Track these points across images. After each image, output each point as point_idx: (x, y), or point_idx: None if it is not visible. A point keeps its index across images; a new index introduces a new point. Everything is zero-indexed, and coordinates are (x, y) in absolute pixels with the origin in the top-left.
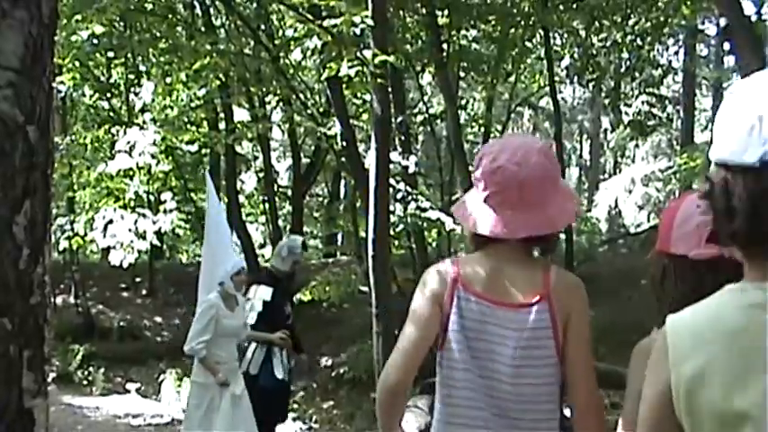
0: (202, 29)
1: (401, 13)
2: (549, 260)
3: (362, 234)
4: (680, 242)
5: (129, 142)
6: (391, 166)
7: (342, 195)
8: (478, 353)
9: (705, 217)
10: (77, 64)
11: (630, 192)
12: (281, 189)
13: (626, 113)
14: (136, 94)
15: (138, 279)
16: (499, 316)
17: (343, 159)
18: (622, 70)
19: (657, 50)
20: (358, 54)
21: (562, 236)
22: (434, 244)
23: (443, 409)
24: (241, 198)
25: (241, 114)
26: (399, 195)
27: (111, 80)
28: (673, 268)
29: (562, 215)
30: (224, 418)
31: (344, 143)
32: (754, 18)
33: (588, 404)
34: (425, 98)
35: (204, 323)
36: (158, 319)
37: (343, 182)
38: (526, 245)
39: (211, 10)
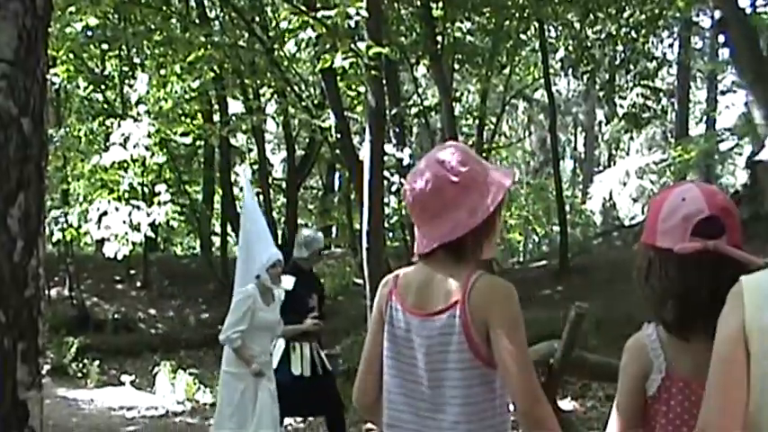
0: (197, 21)
1: (396, 4)
2: (476, 266)
3: (357, 226)
4: (665, 235)
5: (123, 134)
6: (386, 158)
7: (336, 187)
8: (405, 359)
9: (690, 209)
10: (71, 56)
11: (625, 184)
12: (275, 181)
13: (620, 106)
14: (130, 86)
15: (132, 271)
16: (416, 324)
17: (337, 151)
18: (617, 62)
19: (652, 43)
20: (352, 46)
21: (556, 228)
22: None
23: (385, 412)
24: (235, 190)
25: (235, 106)
26: (394, 187)
27: (106, 72)
28: (658, 261)
29: (472, 215)
30: (265, 413)
31: (339, 135)
32: (748, 10)
33: (523, 410)
34: (420, 90)
35: (240, 314)
36: (152, 312)
37: (337, 174)
38: (452, 254)
39: (206, 2)
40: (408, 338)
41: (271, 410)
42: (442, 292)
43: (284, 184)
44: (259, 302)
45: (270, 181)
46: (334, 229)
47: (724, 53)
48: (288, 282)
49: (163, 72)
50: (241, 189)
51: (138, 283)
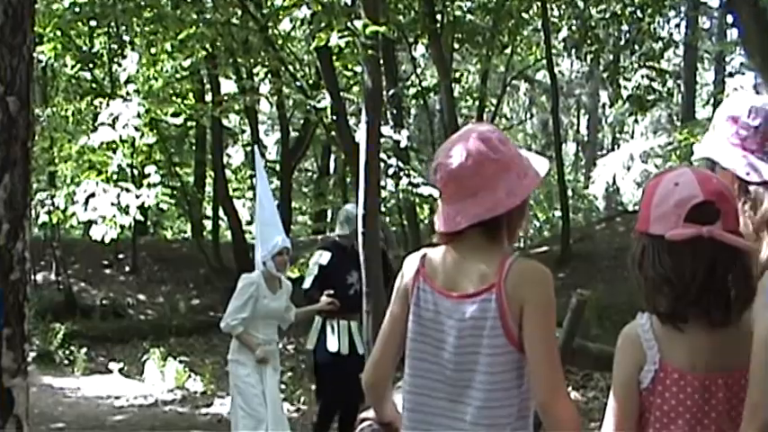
0: None
1: None
2: (509, 249)
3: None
4: (658, 222)
5: (112, 114)
6: (382, 140)
7: (331, 170)
8: (432, 342)
9: (683, 195)
10: (59, 33)
11: (629, 168)
12: (269, 163)
13: (625, 88)
14: (119, 65)
15: (121, 256)
16: (447, 306)
17: (332, 133)
18: (622, 43)
19: (658, 23)
20: (348, 24)
21: (558, 213)
22: (427, 221)
23: (405, 396)
24: (227, 173)
25: (228, 86)
26: (391, 170)
27: (94, 50)
28: (651, 249)
29: (510, 196)
30: (272, 399)
31: (334, 116)
32: None
33: (543, 402)
34: (418, 70)
35: (243, 300)
36: (142, 297)
37: (332, 156)
38: (483, 234)
39: None
40: (437, 321)
41: (275, 401)
42: (475, 273)
43: (278, 167)
44: (263, 290)
45: (264, 163)
46: (329, 213)
47: (732, 34)
48: (323, 257)
49: (153, 50)
50: (253, 169)
51: (127, 268)
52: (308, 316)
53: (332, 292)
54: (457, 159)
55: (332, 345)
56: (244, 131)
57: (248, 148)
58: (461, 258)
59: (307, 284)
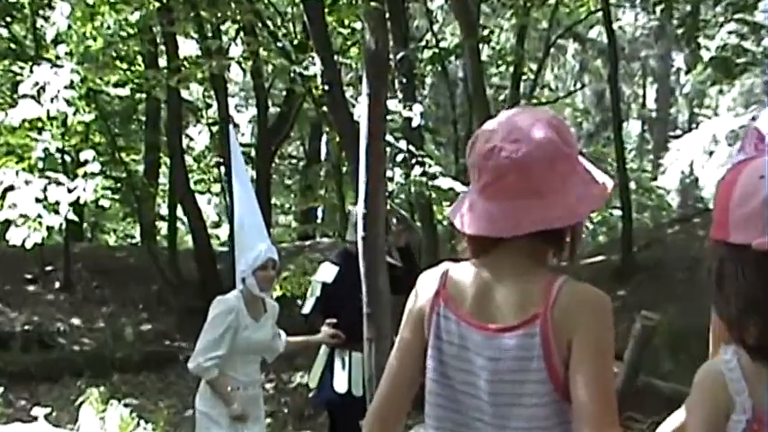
0: None
1: None
2: (559, 269)
3: (350, 208)
4: (739, 227)
5: (36, 83)
6: (389, 117)
7: (322, 157)
8: (458, 384)
9: None
10: None
11: (711, 153)
12: (241, 147)
13: (706, 48)
14: (46, 19)
15: (48, 267)
16: (477, 341)
17: (324, 108)
18: None
19: None
20: None
21: (617, 212)
22: (446, 222)
23: None
24: (189, 160)
25: (188, 48)
26: (400, 157)
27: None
28: (732, 262)
29: (581, 203)
30: None
31: (327, 87)
32: None
33: None
34: (435, 27)
35: (218, 334)
36: (76, 322)
37: (324, 139)
38: (535, 248)
39: None
40: (464, 358)
41: None
42: (515, 298)
43: (253, 152)
44: (244, 317)
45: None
46: (319, 213)
47: None
48: (327, 273)
49: (90, 0)
50: (222, 155)
51: (57, 284)
52: (304, 347)
53: (335, 321)
54: (525, 146)
55: (340, 383)
56: (209, 106)
57: (215, 128)
58: (496, 277)
59: (307, 309)
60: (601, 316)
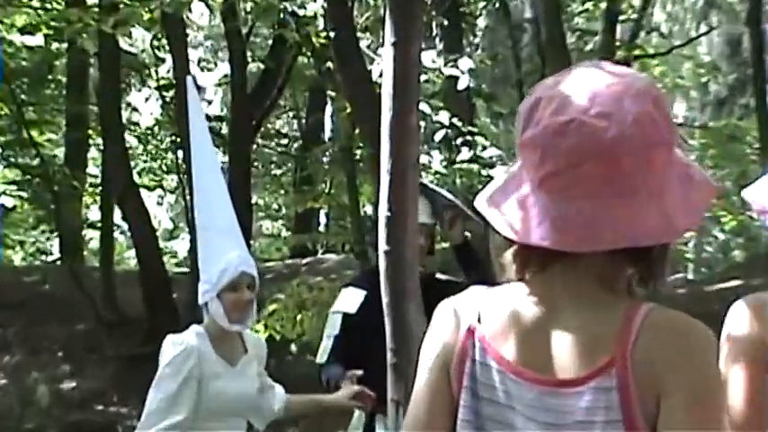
0: None
1: None
2: (639, 295)
3: (367, 210)
4: None
5: None
6: (424, 77)
7: (327, 136)
8: None
9: None
10: None
11: None
12: (208, 121)
13: None
14: None
15: None
16: (529, 398)
17: (328, 65)
18: None
19: None
20: None
21: (690, 236)
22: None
23: None
24: (131, 140)
25: None
26: (440, 135)
27: None
28: None
29: (681, 212)
30: None
31: (332, 32)
32: None
33: None
34: None
35: (172, 390)
36: None
37: (328, 109)
38: (612, 268)
39: None
40: (509, 421)
41: None
42: (581, 338)
43: (225, 128)
44: (211, 362)
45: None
46: (322, 217)
47: None
48: (350, 302)
49: None
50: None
51: None
52: (318, 411)
53: (360, 372)
54: (616, 124)
55: None
56: (162, 61)
57: (169, 94)
58: (552, 307)
59: (322, 357)
60: (701, 351)
